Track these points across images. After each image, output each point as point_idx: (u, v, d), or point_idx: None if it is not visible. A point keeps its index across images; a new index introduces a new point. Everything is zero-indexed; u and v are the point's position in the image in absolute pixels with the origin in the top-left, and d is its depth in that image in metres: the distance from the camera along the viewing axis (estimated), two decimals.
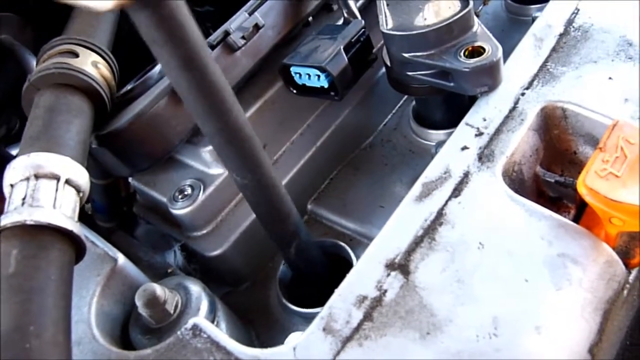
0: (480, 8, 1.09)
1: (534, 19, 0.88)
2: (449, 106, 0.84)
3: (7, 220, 0.54)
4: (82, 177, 0.62)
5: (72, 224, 0.56)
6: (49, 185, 0.59)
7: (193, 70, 0.45)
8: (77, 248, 0.57)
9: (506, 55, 0.75)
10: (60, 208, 0.57)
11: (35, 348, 0.47)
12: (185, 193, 0.77)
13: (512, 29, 1.03)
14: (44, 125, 0.65)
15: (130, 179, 0.84)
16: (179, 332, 0.58)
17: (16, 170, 0.59)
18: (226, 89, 0.49)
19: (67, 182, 0.60)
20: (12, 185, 0.59)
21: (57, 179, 0.59)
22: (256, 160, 0.55)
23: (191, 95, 0.48)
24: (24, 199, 0.57)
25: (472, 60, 0.69)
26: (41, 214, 0.55)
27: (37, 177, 0.59)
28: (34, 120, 0.66)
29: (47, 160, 0.59)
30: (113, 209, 0.96)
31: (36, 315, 0.49)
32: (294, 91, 0.81)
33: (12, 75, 1.06)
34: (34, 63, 1.05)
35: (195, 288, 0.67)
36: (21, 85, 0.89)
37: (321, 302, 0.72)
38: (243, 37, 0.76)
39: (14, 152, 1.07)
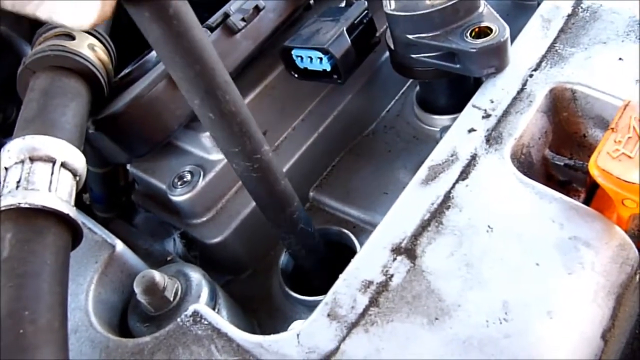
0: None
1: (539, 3, 0.86)
2: (453, 90, 0.82)
3: (1, 203, 0.52)
4: (79, 160, 0.60)
5: (68, 208, 0.54)
6: (45, 168, 0.57)
7: (191, 59, 0.44)
8: (74, 233, 0.55)
9: (512, 39, 0.73)
10: (56, 191, 0.55)
11: (29, 334, 0.45)
12: (185, 179, 0.75)
13: (517, 13, 1.01)
14: (39, 108, 0.63)
15: (128, 166, 0.82)
16: (179, 319, 0.57)
17: (11, 153, 0.57)
18: (222, 72, 0.48)
19: (63, 165, 0.58)
20: (6, 169, 0.57)
21: (53, 162, 0.57)
22: (254, 145, 0.53)
23: (188, 82, 0.46)
24: (18, 182, 0.55)
25: (479, 41, 0.68)
26: (36, 197, 0.53)
27: (32, 160, 0.57)
28: (29, 103, 0.64)
29: (42, 143, 0.58)
30: (112, 198, 0.95)
31: (31, 300, 0.47)
32: (296, 75, 0.79)
33: (8, 65, 1.05)
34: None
35: (196, 275, 0.65)
36: (10, 74, 0.87)
37: (324, 291, 0.71)
38: (243, 19, 0.74)
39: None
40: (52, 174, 0.57)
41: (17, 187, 0.55)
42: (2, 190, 0.55)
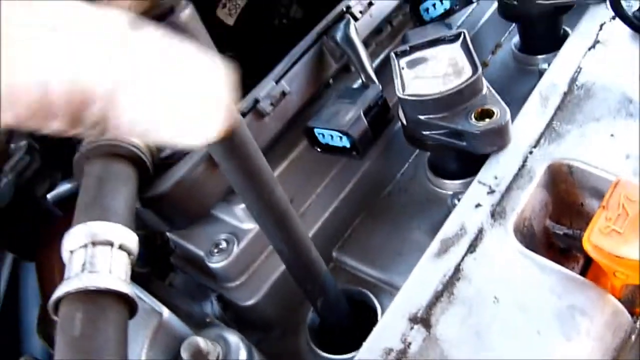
0: (489, 57, 1.16)
1: (540, 70, 0.94)
2: (462, 159, 0.90)
3: (70, 286, 0.60)
4: (133, 241, 0.68)
5: (126, 287, 0.63)
6: (104, 251, 0.65)
7: (255, 184, 0.57)
8: (130, 308, 0.64)
9: (514, 103, 0.81)
10: (115, 272, 0.64)
11: None
12: (221, 247, 0.83)
13: (519, 77, 1.09)
14: (95, 195, 0.72)
15: (168, 233, 0.90)
16: None
17: (75, 237, 0.66)
18: (275, 184, 0.58)
19: (120, 247, 0.67)
20: (71, 252, 0.66)
21: (111, 245, 0.66)
22: (293, 231, 0.62)
23: (253, 203, 0.59)
24: (83, 265, 0.63)
25: (482, 124, 0.76)
26: (99, 280, 0.61)
27: (93, 244, 0.65)
28: (87, 190, 0.73)
29: (102, 228, 0.66)
30: (149, 256, 1.03)
31: None
32: (318, 150, 0.88)
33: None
34: None
35: (234, 339, 0.73)
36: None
37: (348, 347, 0.78)
38: (271, 104, 0.83)
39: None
40: (111, 256, 0.65)
41: (82, 270, 0.63)
42: (68, 272, 0.64)
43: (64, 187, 1.19)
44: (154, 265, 1.04)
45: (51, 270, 0.96)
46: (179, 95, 0.38)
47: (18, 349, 1.11)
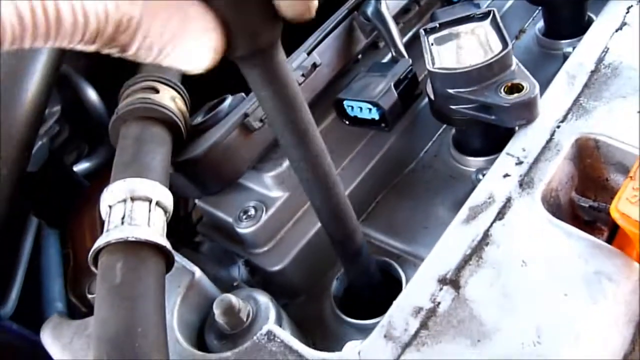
0: (513, 42, 1.17)
1: (564, 54, 0.96)
2: (486, 136, 0.92)
3: (111, 237, 0.62)
4: (169, 199, 0.70)
5: (163, 240, 0.65)
6: (143, 206, 0.67)
7: (286, 104, 0.57)
8: (167, 261, 0.66)
9: (540, 84, 0.82)
10: (153, 226, 0.66)
11: (143, 346, 0.55)
12: (249, 214, 0.85)
13: (543, 62, 1.10)
14: (133, 154, 0.74)
15: (197, 201, 0.92)
16: (255, 337, 0.66)
17: (114, 193, 0.68)
18: (310, 120, 0.60)
19: (157, 203, 0.69)
20: (110, 207, 0.67)
21: (150, 201, 0.68)
22: (329, 182, 0.64)
23: (281, 125, 0.59)
24: (122, 218, 0.65)
25: (512, 97, 0.77)
26: (139, 232, 0.63)
27: (132, 199, 0.67)
28: (124, 149, 0.75)
29: (140, 185, 0.68)
30: (173, 226, 1.05)
31: (142, 318, 0.57)
32: (347, 122, 0.89)
33: (70, 100, 1.18)
34: (88, 90, 1.17)
35: (263, 299, 0.75)
36: (77, 110, 0.99)
37: (370, 316, 0.80)
38: (303, 75, 0.84)
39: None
40: (149, 211, 0.67)
41: (122, 222, 0.65)
42: (108, 225, 0.66)
43: (85, 164, 1.22)
44: (178, 237, 1.06)
45: (82, 234, 0.98)
46: (181, 28, 0.47)
47: (40, 316, 1.13)
